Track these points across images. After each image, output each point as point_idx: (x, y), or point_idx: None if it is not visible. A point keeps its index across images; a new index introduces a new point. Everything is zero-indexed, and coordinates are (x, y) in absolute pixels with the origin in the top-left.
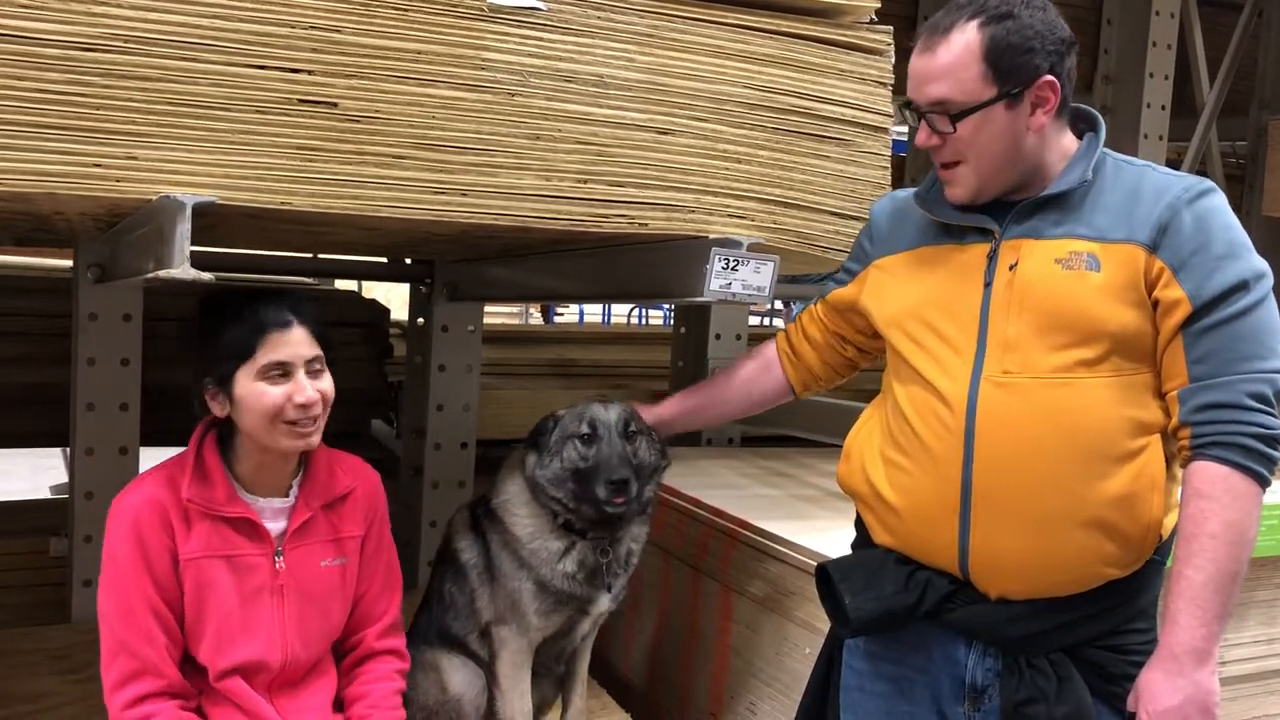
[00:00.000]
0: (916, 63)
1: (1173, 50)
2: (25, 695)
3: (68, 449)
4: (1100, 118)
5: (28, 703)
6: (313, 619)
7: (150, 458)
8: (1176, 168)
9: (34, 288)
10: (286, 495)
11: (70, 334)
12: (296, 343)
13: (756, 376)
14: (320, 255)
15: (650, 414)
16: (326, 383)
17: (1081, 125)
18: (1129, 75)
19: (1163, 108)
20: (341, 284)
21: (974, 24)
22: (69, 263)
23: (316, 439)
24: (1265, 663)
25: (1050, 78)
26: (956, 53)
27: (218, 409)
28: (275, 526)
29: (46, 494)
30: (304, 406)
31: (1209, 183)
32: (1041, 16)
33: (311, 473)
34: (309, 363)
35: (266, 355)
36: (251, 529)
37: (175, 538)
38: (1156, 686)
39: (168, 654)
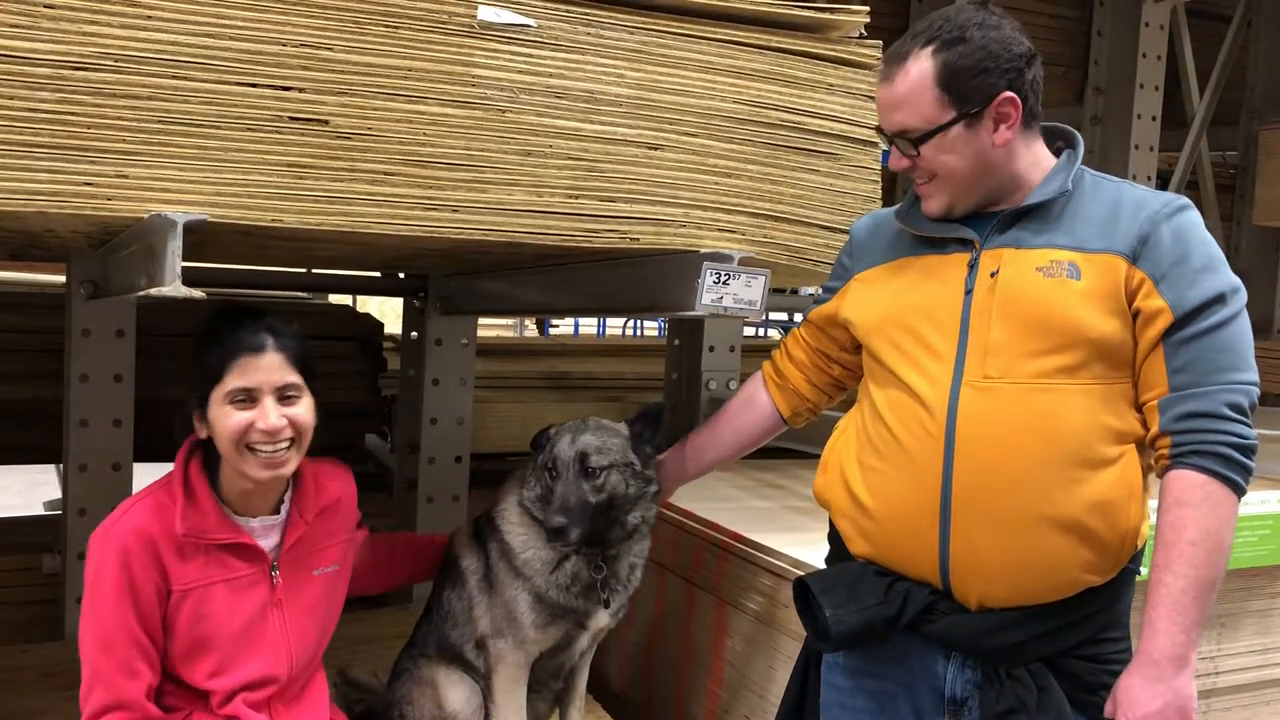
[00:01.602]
0: (879, 92)
1: (1162, 61)
2: (19, 713)
3: (61, 464)
4: (1078, 135)
5: (21, 719)
6: (310, 627)
7: (143, 473)
8: (1168, 178)
9: (27, 303)
10: (277, 512)
11: (63, 350)
12: (267, 368)
13: (744, 410)
14: (314, 270)
15: (670, 476)
16: (301, 409)
17: (1060, 143)
18: (1119, 86)
19: (1153, 118)
20: (335, 298)
21: (927, 51)
22: (60, 278)
23: (289, 469)
24: (1260, 673)
25: (1009, 94)
26: (912, 81)
27: (201, 430)
28: (268, 542)
29: (40, 510)
30: (268, 433)
31: (1185, 199)
32: (995, 35)
33: (301, 487)
34: (281, 389)
35: (234, 380)
36: (246, 550)
37: (166, 571)
38: (1136, 692)
39: (146, 688)
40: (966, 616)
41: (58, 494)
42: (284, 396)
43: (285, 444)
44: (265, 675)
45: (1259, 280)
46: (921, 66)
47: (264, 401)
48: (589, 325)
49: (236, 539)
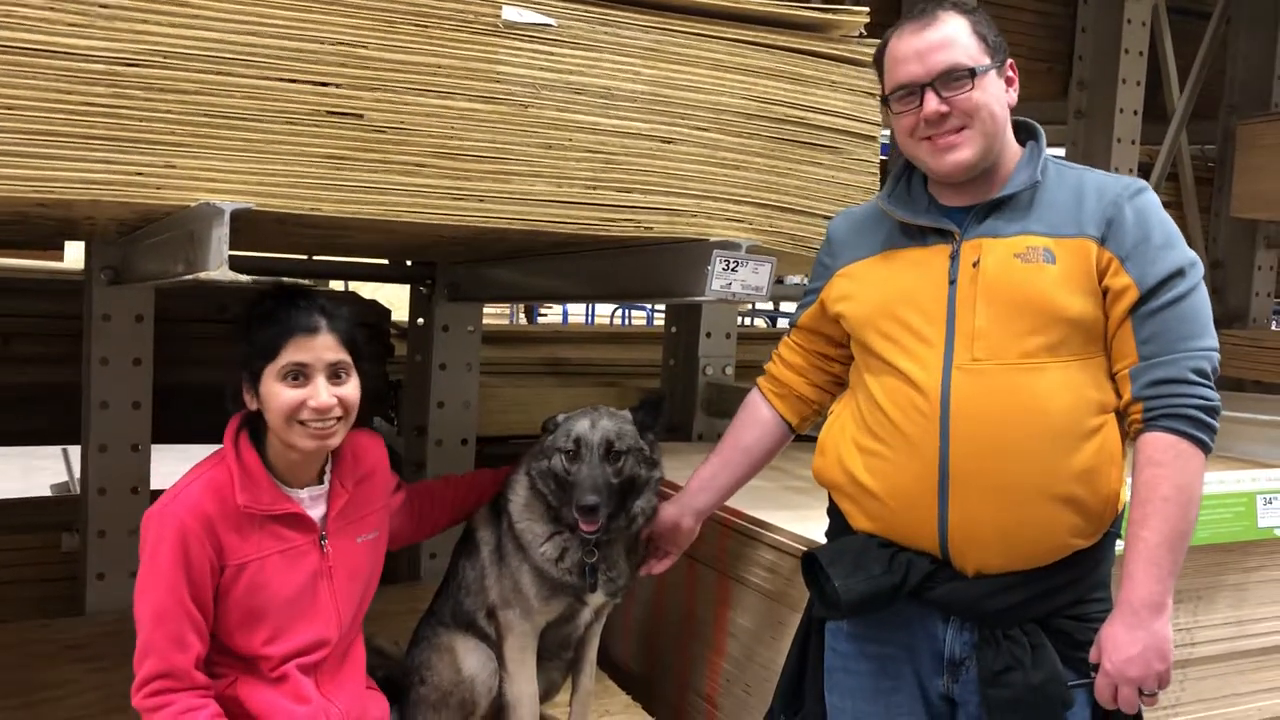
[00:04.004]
0: (913, 43)
1: (1144, 57)
2: (46, 684)
3: (64, 449)
4: (1039, 128)
5: (49, 690)
6: (355, 592)
7: (159, 454)
8: (1149, 170)
9: (45, 289)
10: (321, 482)
11: (79, 335)
12: (320, 347)
13: (749, 429)
14: (315, 257)
15: (689, 510)
16: (349, 388)
17: (1023, 135)
18: (1102, 81)
19: (1135, 113)
20: (334, 285)
21: (953, 12)
22: (61, 265)
23: (336, 441)
24: (1234, 644)
25: (1011, 61)
26: (955, 27)
27: (250, 403)
28: (315, 513)
29: (46, 493)
30: (319, 410)
31: (1143, 181)
32: None
33: (340, 456)
34: (331, 366)
35: (288, 356)
36: (298, 521)
37: (222, 547)
38: (1119, 639)
39: (195, 658)
40: (965, 582)
41: (56, 478)
42: (334, 375)
43: (334, 419)
44: (317, 639)
45: (1235, 271)
46: (955, 17)
47: (316, 380)
48: (577, 314)
49: (290, 510)
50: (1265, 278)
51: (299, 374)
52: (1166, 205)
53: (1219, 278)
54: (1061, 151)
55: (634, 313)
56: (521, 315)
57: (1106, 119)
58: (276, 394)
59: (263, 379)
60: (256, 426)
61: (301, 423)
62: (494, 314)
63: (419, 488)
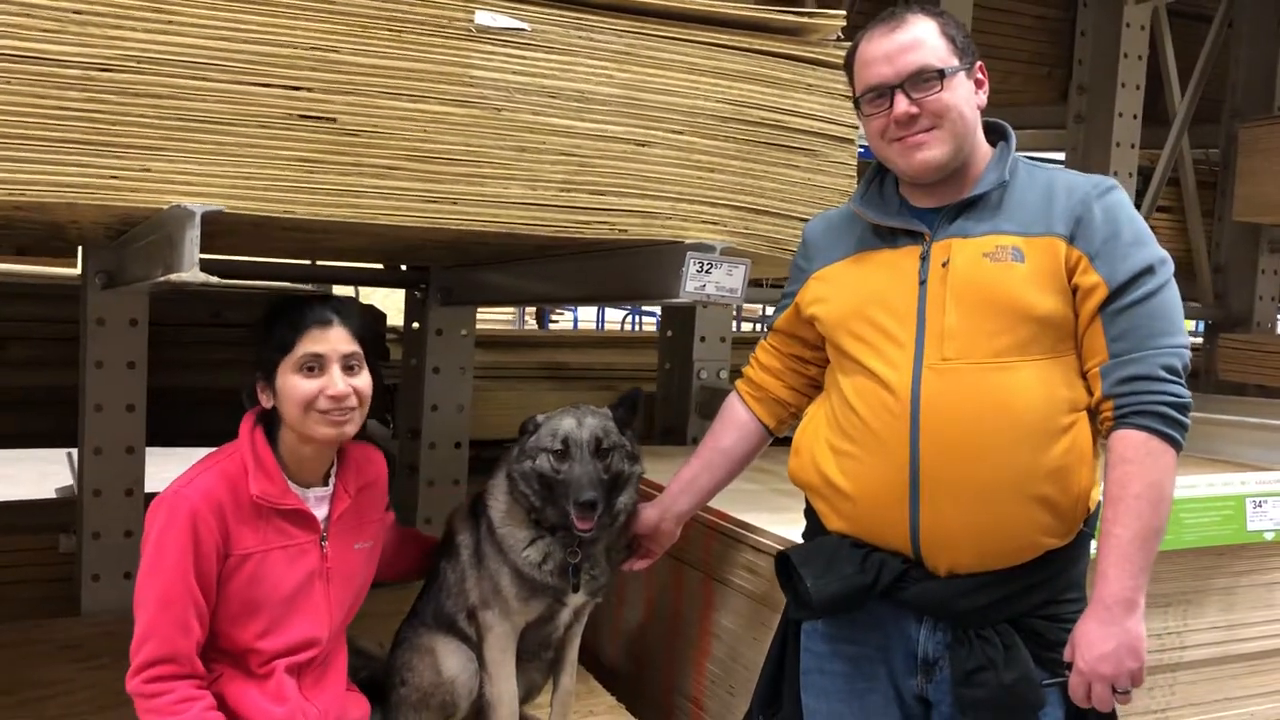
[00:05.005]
0: (883, 45)
1: (1144, 61)
2: (39, 682)
3: (71, 453)
4: (1010, 128)
5: (41, 688)
6: (348, 599)
7: (154, 456)
8: (1150, 174)
9: (44, 294)
10: (326, 484)
11: (79, 338)
12: (335, 339)
13: (727, 432)
14: (318, 262)
15: (670, 513)
16: (363, 379)
17: (993, 136)
18: (1102, 85)
19: (1135, 117)
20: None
21: (921, 15)
22: (69, 270)
23: (351, 429)
24: (1224, 648)
25: (980, 63)
26: (924, 29)
27: (265, 400)
28: (319, 514)
29: (52, 496)
30: (335, 398)
31: (1113, 180)
32: None
33: (346, 462)
34: (345, 358)
35: (304, 348)
36: (302, 518)
37: (229, 536)
38: (1092, 636)
39: (196, 644)
40: (937, 583)
41: (68, 481)
42: (347, 366)
43: (349, 408)
44: (308, 638)
45: (1238, 275)
46: (923, 20)
47: (331, 370)
48: (588, 320)
49: (298, 506)
50: (1268, 282)
51: (315, 365)
52: (1167, 210)
53: (1221, 282)
54: (1061, 156)
55: (645, 318)
56: (532, 320)
57: (1106, 123)
58: (294, 385)
59: (279, 372)
60: (269, 424)
61: (320, 411)
62: (500, 318)
63: (402, 529)
